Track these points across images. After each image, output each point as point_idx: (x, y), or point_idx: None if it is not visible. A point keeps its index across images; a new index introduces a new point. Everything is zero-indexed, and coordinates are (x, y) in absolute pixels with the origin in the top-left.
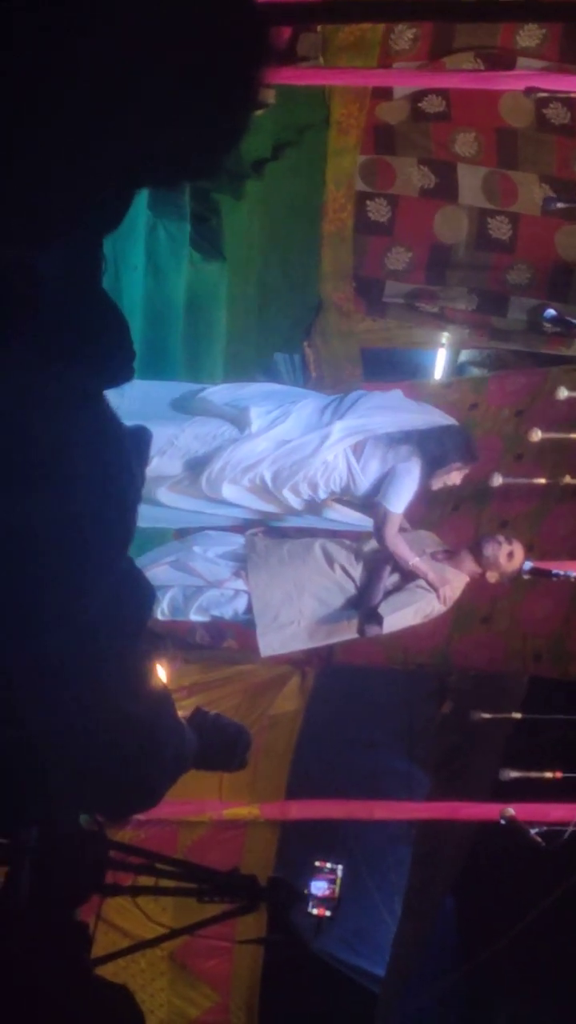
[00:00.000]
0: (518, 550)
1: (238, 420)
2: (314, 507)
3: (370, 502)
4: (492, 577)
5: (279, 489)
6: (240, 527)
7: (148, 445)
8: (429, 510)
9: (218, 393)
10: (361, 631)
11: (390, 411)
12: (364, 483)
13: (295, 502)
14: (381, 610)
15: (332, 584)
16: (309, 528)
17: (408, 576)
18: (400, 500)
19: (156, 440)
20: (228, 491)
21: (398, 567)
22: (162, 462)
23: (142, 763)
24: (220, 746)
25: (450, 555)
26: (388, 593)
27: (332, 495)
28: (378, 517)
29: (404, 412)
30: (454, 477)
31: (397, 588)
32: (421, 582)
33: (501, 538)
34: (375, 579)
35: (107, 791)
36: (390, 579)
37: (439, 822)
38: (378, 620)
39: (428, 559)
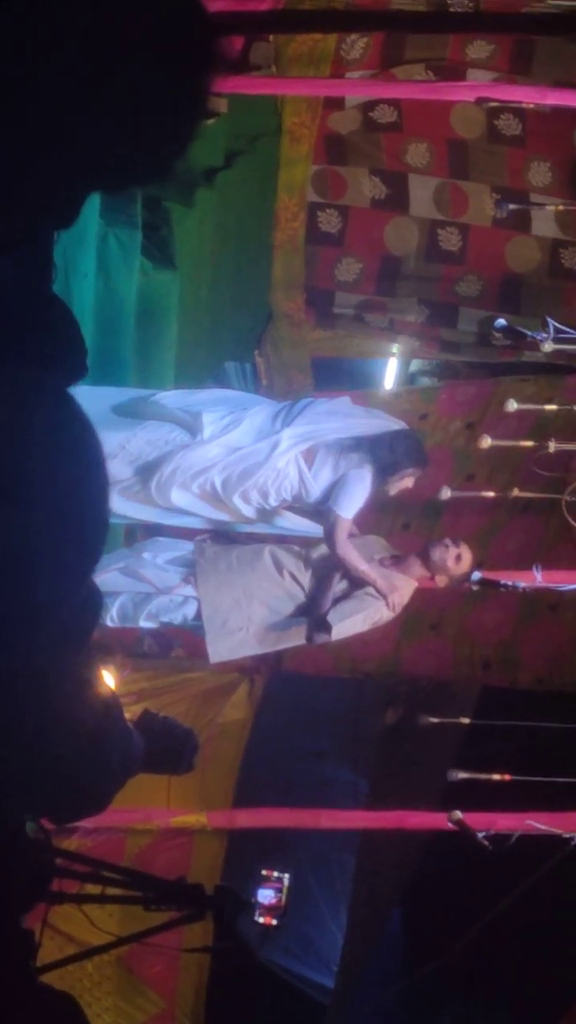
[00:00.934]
0: (466, 553)
1: (190, 425)
2: (264, 514)
3: (321, 508)
4: (441, 581)
5: (228, 496)
6: (191, 533)
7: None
8: (378, 524)
9: (170, 398)
10: (310, 638)
11: (339, 416)
12: (315, 490)
13: (245, 509)
14: (330, 618)
15: (281, 591)
16: (259, 534)
17: (357, 583)
18: (351, 506)
19: (107, 445)
20: (177, 497)
21: (347, 574)
22: (113, 467)
23: (89, 767)
24: (168, 749)
25: (398, 561)
26: (337, 600)
27: (283, 503)
28: (328, 522)
29: (353, 418)
30: (407, 481)
31: (346, 595)
32: (370, 589)
33: (448, 541)
34: (324, 586)
35: (55, 795)
36: (339, 586)
37: (383, 832)
38: (327, 628)
39: (376, 565)
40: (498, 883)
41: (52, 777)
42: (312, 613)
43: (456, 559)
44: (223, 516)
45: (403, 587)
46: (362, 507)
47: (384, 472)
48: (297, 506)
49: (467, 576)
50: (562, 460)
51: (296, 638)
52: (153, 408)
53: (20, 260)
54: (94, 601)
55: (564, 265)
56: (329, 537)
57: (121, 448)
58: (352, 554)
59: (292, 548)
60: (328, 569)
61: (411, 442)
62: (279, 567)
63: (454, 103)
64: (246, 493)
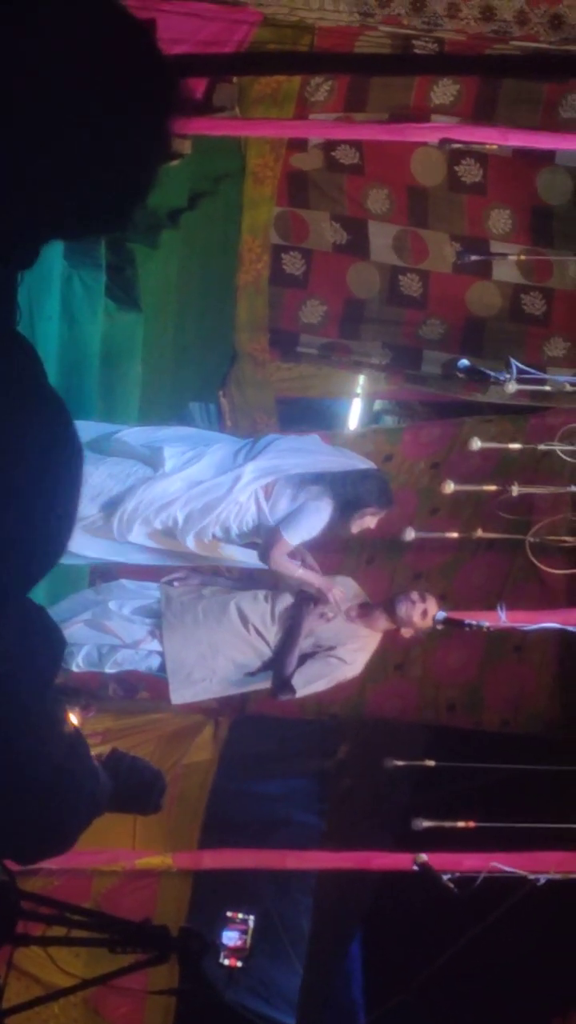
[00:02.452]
0: (432, 606)
1: (152, 460)
2: (213, 548)
3: (264, 530)
4: (406, 633)
5: (186, 533)
6: (155, 574)
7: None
8: (344, 561)
9: (133, 435)
10: (274, 695)
11: (305, 453)
12: (270, 522)
13: (196, 548)
14: (295, 682)
15: (246, 645)
16: (223, 582)
17: (324, 640)
18: (298, 532)
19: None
20: (138, 533)
21: (312, 631)
22: None
23: (54, 805)
24: (135, 789)
25: (364, 612)
26: (303, 658)
27: (243, 537)
28: (269, 537)
29: (319, 455)
30: (369, 521)
31: (312, 654)
32: (337, 651)
33: (415, 596)
34: (289, 644)
35: (18, 833)
36: (305, 642)
37: (339, 872)
38: (291, 690)
39: (334, 608)
40: (458, 919)
41: (16, 815)
42: (277, 672)
43: (422, 614)
44: (175, 556)
45: (368, 640)
46: (311, 539)
47: (345, 509)
48: (254, 539)
49: (432, 627)
50: (526, 502)
51: (259, 684)
52: (115, 444)
53: None
54: (58, 644)
55: (525, 310)
56: (265, 551)
57: (83, 482)
58: (286, 565)
59: (258, 600)
60: (294, 627)
61: (376, 482)
62: (244, 621)
63: (415, 149)
64: (205, 529)
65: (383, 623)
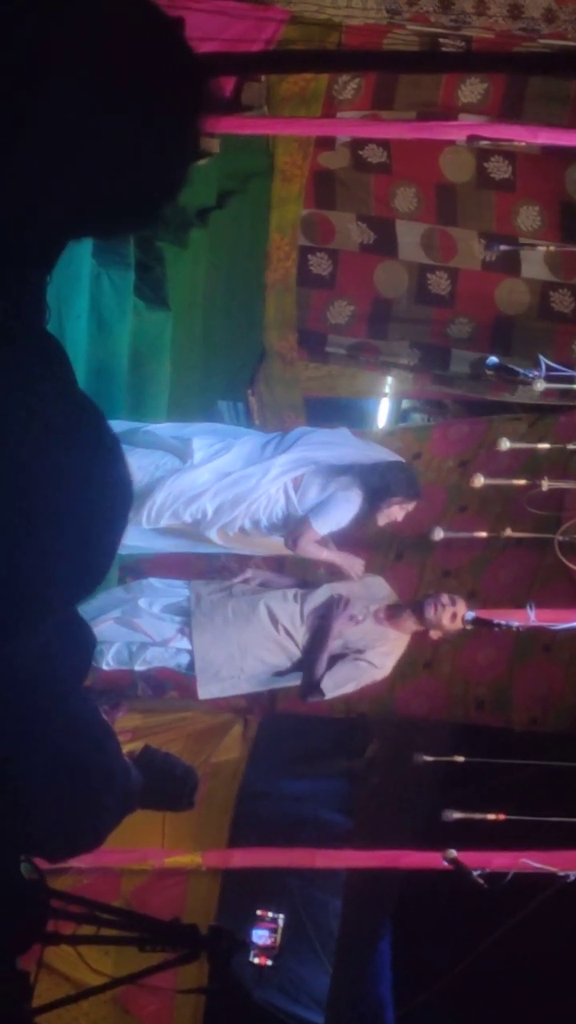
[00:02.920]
0: (461, 609)
1: (180, 452)
2: (239, 540)
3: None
4: (435, 635)
5: (213, 525)
6: (184, 571)
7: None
8: (373, 557)
9: (161, 428)
10: (303, 697)
11: (334, 446)
12: (300, 512)
13: (220, 541)
14: (324, 685)
15: (275, 645)
16: (252, 584)
17: (353, 643)
18: (327, 521)
19: None
20: (169, 523)
21: (341, 633)
22: None
23: (84, 802)
24: (168, 785)
25: (393, 614)
26: (332, 659)
27: (272, 529)
28: (298, 526)
29: (349, 448)
30: (396, 512)
31: (341, 656)
32: (366, 655)
33: (445, 599)
34: (318, 646)
35: (50, 831)
36: (334, 644)
37: (367, 870)
38: (320, 693)
39: (364, 609)
40: (487, 917)
41: (47, 813)
42: (306, 674)
43: (452, 617)
44: (205, 546)
45: (396, 642)
46: (339, 529)
47: (373, 499)
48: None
49: (462, 629)
50: (555, 498)
51: (287, 682)
52: (143, 437)
53: (12, 299)
54: (88, 642)
55: (554, 308)
56: (293, 539)
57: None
58: (311, 549)
59: (288, 599)
60: (324, 629)
61: (405, 473)
62: (274, 621)
63: (443, 147)
64: (233, 522)
65: (412, 625)
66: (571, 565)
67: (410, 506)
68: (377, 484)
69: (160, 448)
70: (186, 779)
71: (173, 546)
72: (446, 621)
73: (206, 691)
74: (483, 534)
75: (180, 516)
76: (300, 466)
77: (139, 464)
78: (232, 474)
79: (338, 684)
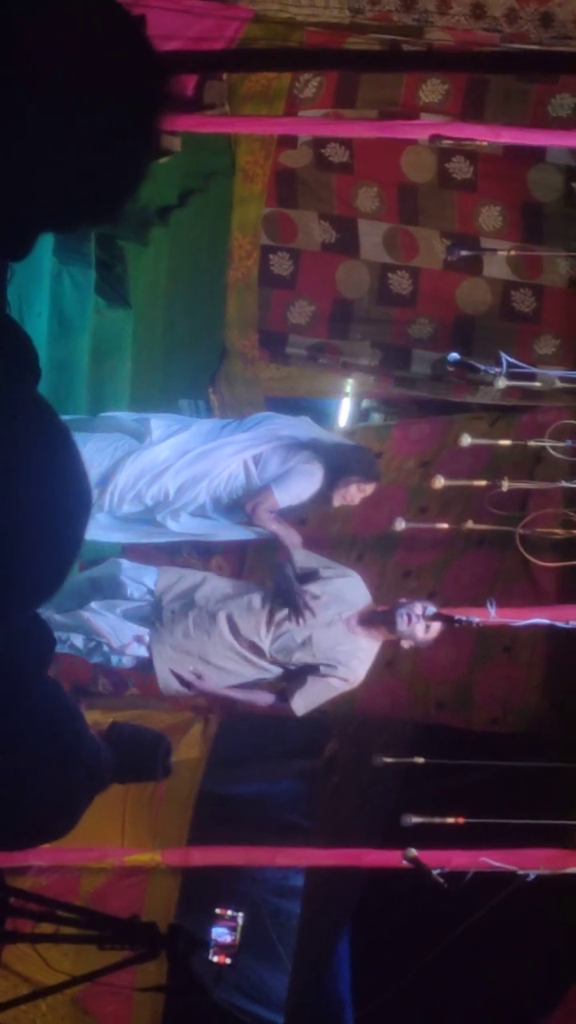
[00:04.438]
0: (435, 622)
1: (139, 432)
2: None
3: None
4: (407, 644)
5: (173, 506)
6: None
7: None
8: (333, 557)
9: (120, 413)
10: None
11: (296, 427)
12: (260, 484)
13: (177, 528)
14: (294, 705)
15: (236, 655)
16: (217, 594)
17: (325, 657)
18: (288, 492)
19: None
20: (129, 509)
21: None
22: None
23: (57, 782)
24: (141, 755)
25: (364, 621)
26: (305, 673)
27: (232, 509)
28: (258, 494)
29: (311, 431)
30: (353, 493)
31: (314, 670)
32: (338, 671)
33: (418, 610)
34: (291, 675)
35: (24, 815)
36: (305, 654)
37: (327, 869)
38: (290, 711)
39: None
40: (446, 916)
41: (17, 797)
42: (278, 691)
43: (425, 629)
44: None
45: (368, 650)
46: (299, 504)
47: (331, 474)
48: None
49: (435, 639)
50: (517, 498)
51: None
52: (101, 421)
53: None
54: (46, 636)
55: (516, 308)
56: (253, 507)
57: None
58: (267, 518)
59: (253, 608)
60: (290, 644)
61: (364, 454)
62: (235, 633)
63: (405, 147)
64: (195, 500)
65: (383, 633)
66: (533, 559)
67: (367, 489)
68: (336, 463)
69: (118, 430)
70: (158, 746)
71: (132, 536)
72: (420, 633)
73: (166, 687)
74: (444, 525)
75: (142, 498)
76: (261, 442)
77: (99, 446)
78: (192, 451)
79: (309, 703)
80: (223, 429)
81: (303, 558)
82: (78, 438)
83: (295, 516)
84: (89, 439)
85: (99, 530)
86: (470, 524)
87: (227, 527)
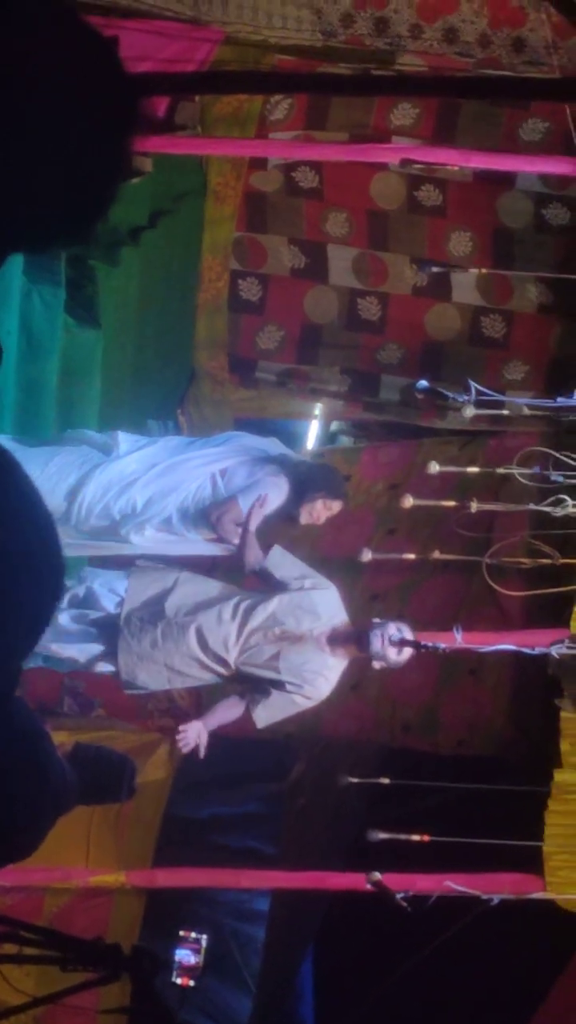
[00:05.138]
0: (407, 638)
1: (106, 445)
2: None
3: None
4: (378, 665)
5: (139, 519)
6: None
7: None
8: None
9: (86, 429)
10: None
11: (264, 445)
12: (226, 495)
13: (139, 542)
14: (256, 716)
15: (202, 666)
16: (187, 603)
17: (291, 673)
18: (252, 500)
19: None
20: (96, 523)
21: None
22: None
23: (22, 803)
24: (105, 777)
25: (336, 640)
26: (269, 687)
27: (198, 522)
28: (222, 505)
29: (278, 449)
30: (320, 510)
31: (279, 685)
32: (304, 690)
33: (392, 630)
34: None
35: None
36: (268, 672)
37: (292, 892)
38: (252, 721)
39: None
40: (410, 939)
41: None
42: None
43: (398, 651)
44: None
45: (334, 668)
46: (265, 518)
47: (298, 489)
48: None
49: (406, 661)
50: (485, 521)
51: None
52: (67, 436)
53: None
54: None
55: (485, 333)
56: (218, 518)
57: (39, 476)
58: (230, 528)
59: (223, 620)
60: (257, 659)
61: (330, 472)
62: (203, 646)
63: (374, 173)
64: (162, 513)
65: (353, 652)
66: (498, 588)
67: (334, 506)
68: (303, 478)
69: (85, 444)
70: (123, 767)
71: (95, 551)
72: (392, 654)
73: (130, 690)
74: (411, 556)
75: (110, 512)
76: (229, 456)
77: (66, 460)
78: (160, 464)
79: (272, 716)
80: (190, 445)
81: (282, 562)
82: (44, 453)
83: (260, 538)
84: (56, 454)
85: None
86: (437, 555)
87: (192, 542)
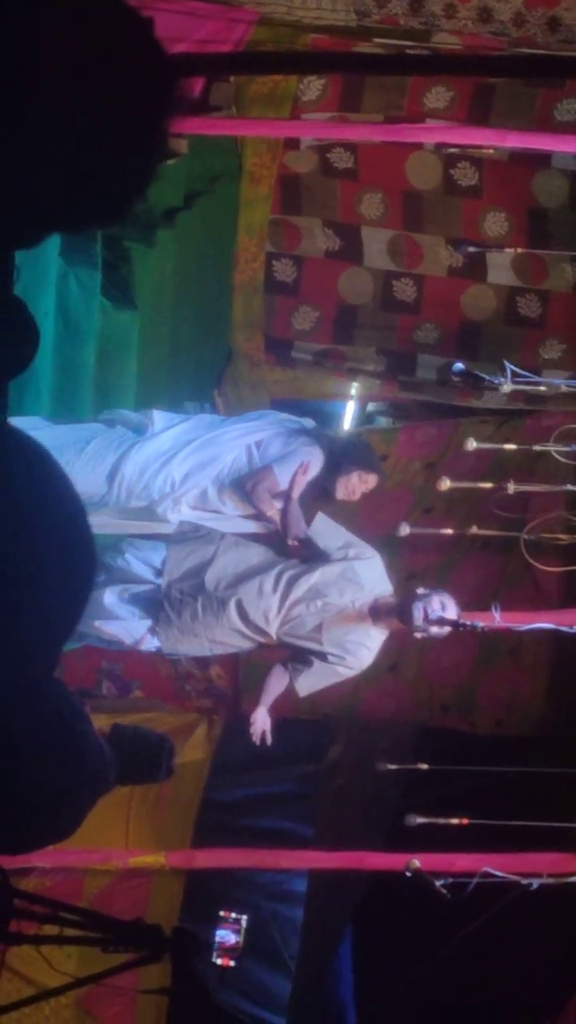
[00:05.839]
0: (451, 611)
1: (141, 424)
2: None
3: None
4: (419, 635)
5: (178, 495)
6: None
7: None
8: None
9: (120, 409)
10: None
11: (299, 421)
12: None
13: (175, 518)
14: (299, 684)
15: (243, 637)
16: (227, 576)
17: (335, 644)
18: (290, 471)
19: (61, 459)
20: (136, 503)
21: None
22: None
23: (62, 784)
24: (144, 757)
25: (378, 611)
26: (312, 657)
27: (236, 493)
28: (259, 471)
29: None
30: (356, 484)
31: (322, 656)
32: (347, 660)
33: (436, 603)
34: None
35: (28, 816)
36: (310, 643)
37: (330, 872)
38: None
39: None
40: (449, 920)
41: (22, 798)
42: (286, 667)
43: (440, 624)
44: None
45: (376, 639)
46: (302, 489)
47: (333, 463)
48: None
49: (447, 633)
50: (521, 501)
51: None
52: (104, 416)
53: None
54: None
55: (521, 313)
56: (253, 487)
57: (75, 461)
58: (265, 498)
59: (264, 593)
60: (299, 631)
61: (363, 446)
62: (244, 618)
63: (409, 153)
64: (199, 486)
65: (395, 624)
66: (536, 564)
67: (370, 480)
68: (338, 452)
69: (120, 424)
70: (161, 747)
71: (132, 530)
72: (435, 628)
73: (172, 656)
74: (449, 531)
75: (150, 490)
76: (263, 429)
77: (103, 443)
78: (195, 440)
79: (314, 685)
80: (224, 421)
81: (325, 530)
82: (80, 437)
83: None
84: (92, 437)
85: (98, 529)
86: (475, 529)
87: (229, 519)
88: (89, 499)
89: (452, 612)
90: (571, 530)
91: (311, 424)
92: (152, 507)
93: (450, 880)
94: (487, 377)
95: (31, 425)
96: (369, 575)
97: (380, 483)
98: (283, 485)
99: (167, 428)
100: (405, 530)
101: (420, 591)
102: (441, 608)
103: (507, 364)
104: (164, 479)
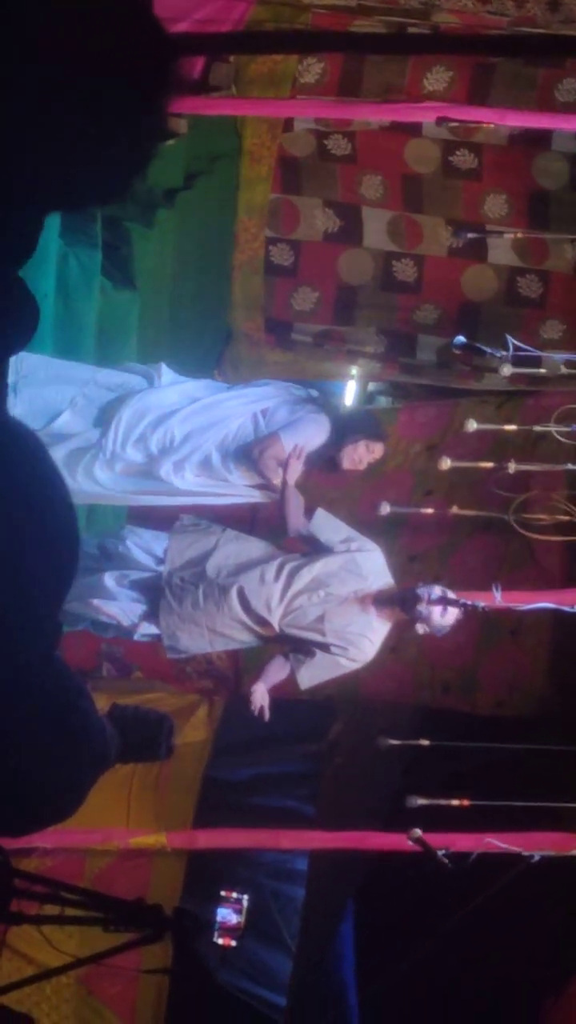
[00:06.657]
0: (453, 607)
1: (149, 374)
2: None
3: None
4: (422, 629)
5: (178, 454)
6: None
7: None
8: None
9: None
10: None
11: (305, 390)
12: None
13: (178, 483)
14: (301, 677)
15: (244, 628)
16: (229, 564)
17: (337, 635)
18: (296, 438)
19: (61, 396)
20: (133, 453)
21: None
22: (70, 418)
23: (63, 761)
24: (144, 736)
25: (380, 602)
26: (314, 649)
27: (239, 460)
28: (266, 438)
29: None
30: (362, 453)
31: (324, 648)
32: (351, 652)
33: (438, 592)
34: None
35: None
36: (312, 634)
37: (331, 852)
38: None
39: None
40: (450, 899)
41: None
42: (288, 659)
43: (441, 613)
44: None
45: (379, 630)
46: (307, 455)
47: (339, 431)
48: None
49: (452, 625)
50: (521, 481)
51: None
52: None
53: None
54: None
55: (521, 293)
56: (260, 453)
57: (80, 393)
58: (271, 465)
59: (266, 581)
60: (301, 621)
61: (369, 415)
62: (245, 607)
63: (407, 139)
64: (199, 451)
65: (397, 615)
66: (530, 535)
67: (376, 449)
68: (344, 421)
69: (127, 370)
70: (161, 725)
71: (136, 496)
72: (436, 617)
73: (173, 653)
74: (430, 510)
75: (147, 442)
76: (270, 396)
77: (108, 383)
78: (201, 399)
79: (316, 677)
80: (230, 388)
81: (326, 525)
82: (85, 372)
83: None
84: (98, 375)
85: (101, 490)
86: (455, 509)
87: (235, 488)
88: (87, 441)
89: (454, 608)
90: (571, 513)
91: (316, 394)
92: (152, 466)
93: (451, 851)
94: (488, 350)
95: (40, 364)
96: (371, 567)
97: (386, 453)
98: (287, 445)
99: (175, 384)
100: (386, 509)
101: (420, 584)
102: (443, 598)
103: (509, 339)
104: (163, 433)
